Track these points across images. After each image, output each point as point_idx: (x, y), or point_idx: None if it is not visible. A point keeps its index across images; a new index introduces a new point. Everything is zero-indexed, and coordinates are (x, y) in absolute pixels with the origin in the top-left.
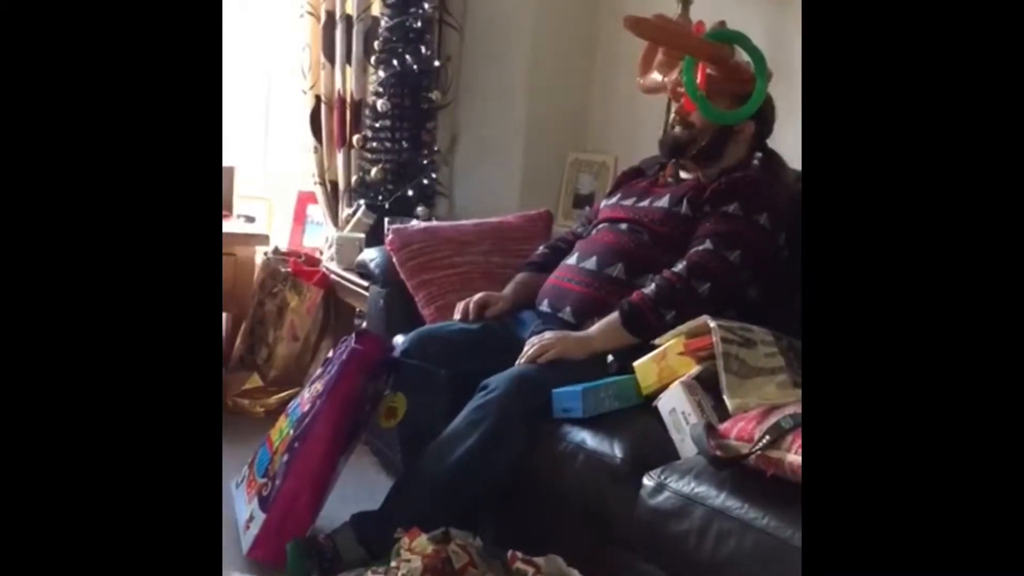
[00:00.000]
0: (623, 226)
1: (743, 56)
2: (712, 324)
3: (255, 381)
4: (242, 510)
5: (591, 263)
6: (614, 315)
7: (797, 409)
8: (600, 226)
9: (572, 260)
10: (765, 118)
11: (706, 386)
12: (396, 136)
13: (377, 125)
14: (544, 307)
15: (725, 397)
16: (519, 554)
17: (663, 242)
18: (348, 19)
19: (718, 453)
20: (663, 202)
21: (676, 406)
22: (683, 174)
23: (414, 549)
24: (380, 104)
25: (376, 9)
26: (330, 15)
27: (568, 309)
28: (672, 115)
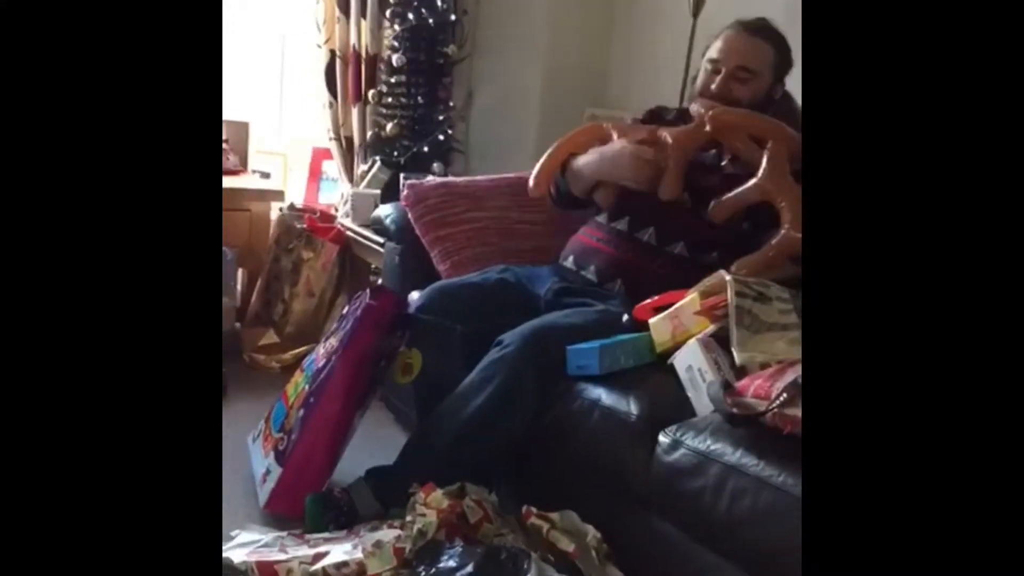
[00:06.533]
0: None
1: None
2: (728, 278)
3: (271, 337)
4: (259, 464)
5: (622, 224)
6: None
7: None
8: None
9: (602, 218)
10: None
11: (723, 344)
12: (411, 91)
13: (392, 80)
14: (568, 263)
15: (734, 350)
16: (534, 509)
17: (699, 196)
18: None
19: (735, 410)
20: (708, 158)
21: (692, 363)
22: None
23: (429, 504)
24: (395, 59)
25: None
26: None
27: (593, 268)
28: (704, 81)
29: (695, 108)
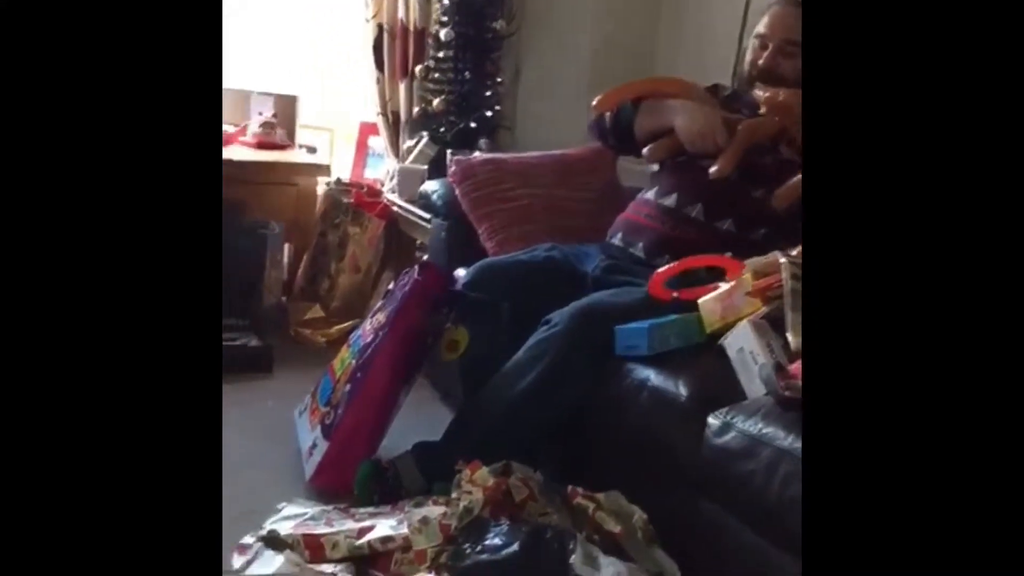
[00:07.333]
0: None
1: None
2: (782, 260)
3: (317, 311)
4: (305, 437)
5: (671, 201)
6: None
7: None
8: (681, 158)
9: (651, 195)
10: None
11: (775, 326)
12: (459, 67)
13: (440, 55)
14: (616, 240)
15: (788, 335)
16: (579, 489)
17: (750, 175)
18: None
19: (787, 393)
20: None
21: (744, 345)
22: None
23: (475, 481)
24: (443, 33)
25: None
26: None
27: (640, 245)
28: (751, 58)
29: (757, 94)
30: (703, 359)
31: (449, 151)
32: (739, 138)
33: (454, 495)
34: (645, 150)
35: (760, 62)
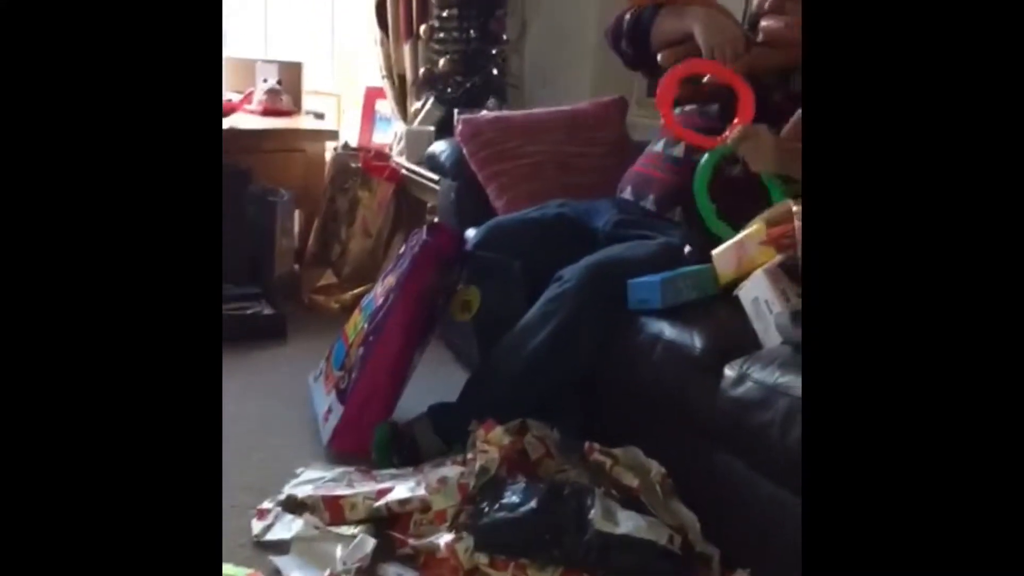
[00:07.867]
0: (714, 108)
1: None
2: (795, 208)
3: (329, 277)
4: (320, 402)
5: (679, 150)
6: None
7: None
8: (688, 108)
9: (659, 146)
10: None
11: (790, 274)
12: (464, 25)
13: (444, 14)
14: (626, 194)
15: None
16: (596, 445)
17: (760, 115)
18: None
19: None
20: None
21: (759, 295)
22: None
23: (491, 440)
24: None
25: None
26: None
27: (651, 197)
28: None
29: (764, 24)
30: (717, 311)
31: (456, 111)
32: (747, 59)
33: (469, 455)
34: (660, 55)
35: (767, 5)
